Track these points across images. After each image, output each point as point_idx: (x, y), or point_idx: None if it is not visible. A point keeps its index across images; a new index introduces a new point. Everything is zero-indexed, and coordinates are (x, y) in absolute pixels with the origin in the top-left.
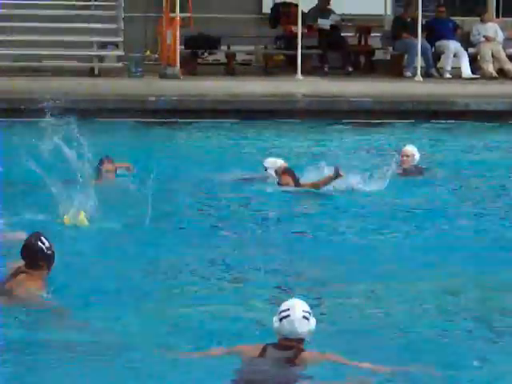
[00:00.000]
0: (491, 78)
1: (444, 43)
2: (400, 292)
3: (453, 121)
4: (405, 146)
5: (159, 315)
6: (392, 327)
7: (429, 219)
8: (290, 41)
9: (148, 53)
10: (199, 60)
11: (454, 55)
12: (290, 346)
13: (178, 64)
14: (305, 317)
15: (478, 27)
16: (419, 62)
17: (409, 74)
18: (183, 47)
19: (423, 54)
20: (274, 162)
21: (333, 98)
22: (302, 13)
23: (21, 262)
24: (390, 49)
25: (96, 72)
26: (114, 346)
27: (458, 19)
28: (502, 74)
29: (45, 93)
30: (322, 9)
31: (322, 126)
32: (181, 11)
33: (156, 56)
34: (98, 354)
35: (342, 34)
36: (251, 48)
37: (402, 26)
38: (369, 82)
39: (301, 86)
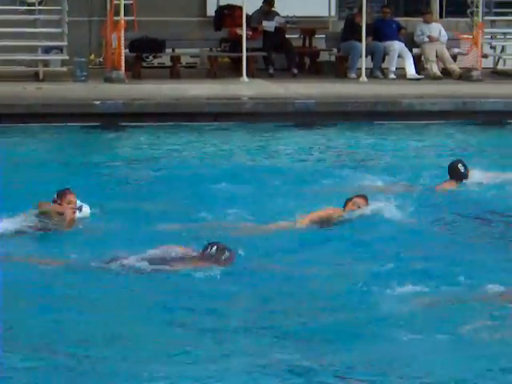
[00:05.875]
0: (435, 77)
1: (388, 44)
2: None
3: (397, 122)
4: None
5: None
6: None
7: None
8: (234, 43)
9: (92, 57)
10: (144, 63)
11: (399, 56)
12: None
13: (123, 67)
14: None
15: (421, 27)
16: (364, 63)
17: (353, 75)
18: (128, 51)
19: (374, 54)
20: None
21: (278, 99)
22: (247, 15)
23: None
24: (335, 50)
25: (41, 77)
26: None
27: (401, 20)
28: (445, 73)
29: None
30: (267, 11)
31: (267, 128)
32: (125, 14)
33: (100, 60)
34: None
35: (287, 36)
36: (196, 51)
37: (351, 28)
38: (314, 84)
39: (246, 88)
